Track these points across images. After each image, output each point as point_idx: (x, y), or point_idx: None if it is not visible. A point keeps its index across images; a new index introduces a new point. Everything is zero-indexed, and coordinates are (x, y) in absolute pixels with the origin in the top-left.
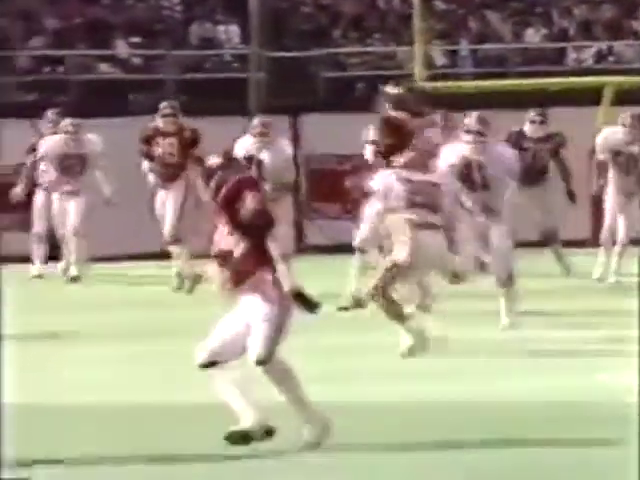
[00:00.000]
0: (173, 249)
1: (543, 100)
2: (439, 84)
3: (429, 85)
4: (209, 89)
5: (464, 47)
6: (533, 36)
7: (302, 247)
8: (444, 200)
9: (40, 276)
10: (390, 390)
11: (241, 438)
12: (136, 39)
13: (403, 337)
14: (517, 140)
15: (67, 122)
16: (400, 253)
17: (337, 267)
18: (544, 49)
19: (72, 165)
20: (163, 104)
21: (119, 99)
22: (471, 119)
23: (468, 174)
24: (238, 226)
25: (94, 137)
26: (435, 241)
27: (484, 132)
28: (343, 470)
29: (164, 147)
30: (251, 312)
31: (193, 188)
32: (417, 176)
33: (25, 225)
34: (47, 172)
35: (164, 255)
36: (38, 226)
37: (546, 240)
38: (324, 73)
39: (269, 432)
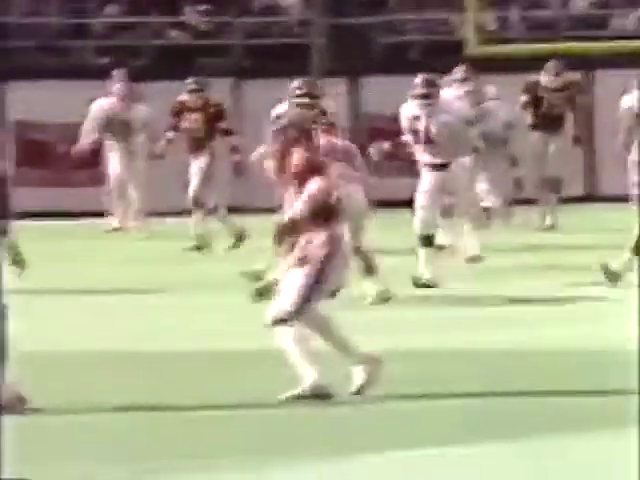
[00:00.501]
0: (195, 212)
1: (589, 63)
2: (491, 49)
3: (481, 50)
4: (272, 53)
5: (514, 13)
6: (580, 2)
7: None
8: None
9: (118, 229)
10: (437, 338)
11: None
12: (204, 6)
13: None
14: (533, 89)
15: (118, 86)
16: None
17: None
18: (590, 15)
19: (119, 127)
20: (189, 80)
21: (188, 63)
22: (418, 81)
23: (416, 131)
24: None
25: (142, 106)
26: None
27: (431, 93)
28: (395, 417)
29: (190, 121)
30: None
31: (218, 158)
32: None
33: (100, 181)
34: (99, 132)
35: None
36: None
37: (550, 188)
38: (381, 39)
39: (326, 395)
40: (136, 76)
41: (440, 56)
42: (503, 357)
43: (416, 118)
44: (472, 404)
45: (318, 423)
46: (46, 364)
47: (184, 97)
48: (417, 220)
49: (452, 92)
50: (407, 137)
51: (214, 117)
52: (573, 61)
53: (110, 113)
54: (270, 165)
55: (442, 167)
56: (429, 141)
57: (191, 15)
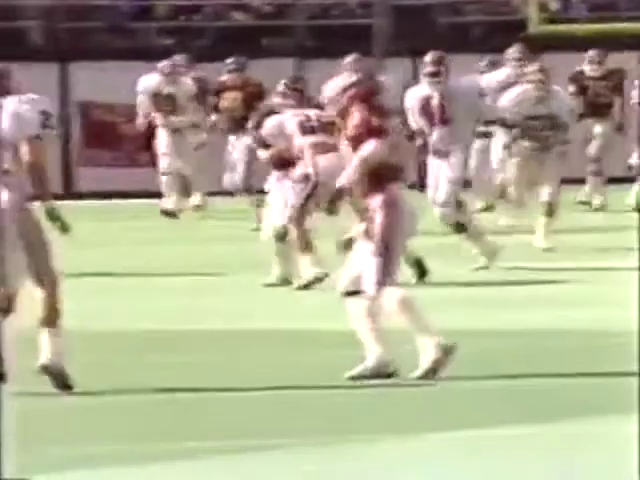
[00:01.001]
0: (245, 197)
1: None
2: (553, 28)
3: (542, 29)
4: (334, 34)
5: None
6: None
7: None
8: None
9: (174, 211)
10: (484, 317)
11: (365, 377)
12: None
13: (306, 269)
14: (578, 79)
15: (164, 64)
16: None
17: None
18: None
19: (166, 104)
20: (229, 60)
21: (250, 44)
22: (427, 60)
23: (428, 111)
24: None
25: (189, 81)
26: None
27: (439, 71)
28: (448, 397)
29: (229, 101)
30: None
31: None
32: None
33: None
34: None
35: None
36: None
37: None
38: (442, 18)
39: (391, 374)
40: (199, 57)
41: (501, 36)
42: (548, 336)
43: (428, 98)
44: (518, 384)
45: (378, 402)
46: (110, 344)
47: (224, 77)
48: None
49: (506, 71)
50: (418, 121)
51: (253, 96)
52: (633, 41)
53: (156, 88)
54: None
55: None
56: (444, 121)
57: None
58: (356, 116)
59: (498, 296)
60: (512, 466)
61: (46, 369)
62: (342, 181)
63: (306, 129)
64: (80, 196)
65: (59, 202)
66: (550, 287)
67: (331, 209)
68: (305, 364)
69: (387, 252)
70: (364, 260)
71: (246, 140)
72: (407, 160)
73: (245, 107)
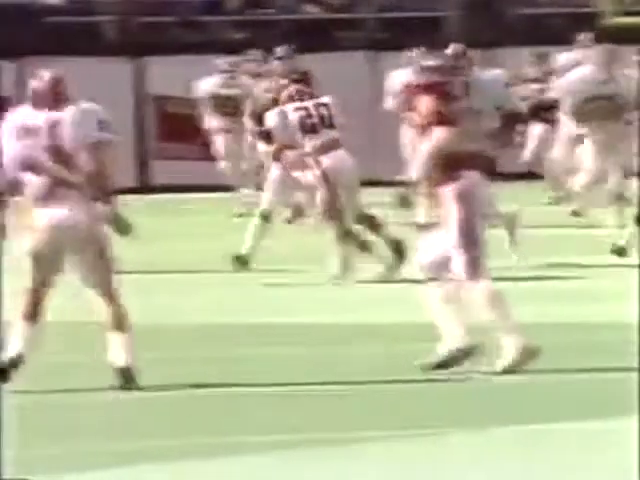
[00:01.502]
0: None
1: None
2: (628, 20)
3: (617, 21)
4: (407, 26)
5: None
6: None
7: None
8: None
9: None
10: (537, 310)
11: (439, 367)
12: None
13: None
14: None
15: (222, 61)
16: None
17: None
18: None
19: (225, 105)
20: (277, 49)
21: (323, 37)
22: (448, 53)
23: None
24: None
25: (249, 80)
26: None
27: (460, 66)
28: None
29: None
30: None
31: None
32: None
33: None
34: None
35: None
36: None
37: None
38: (515, 10)
39: (468, 353)
40: (271, 50)
41: (574, 28)
42: (601, 330)
43: None
44: (580, 379)
45: (447, 396)
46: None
47: (269, 68)
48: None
49: (572, 56)
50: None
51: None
52: None
53: (214, 91)
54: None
55: None
56: None
57: None
58: (425, 104)
59: (553, 289)
60: (576, 459)
61: (123, 371)
62: (413, 173)
63: (307, 127)
64: (155, 189)
65: (134, 196)
66: (602, 281)
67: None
68: (370, 358)
69: (470, 243)
70: (444, 248)
71: None
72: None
73: None
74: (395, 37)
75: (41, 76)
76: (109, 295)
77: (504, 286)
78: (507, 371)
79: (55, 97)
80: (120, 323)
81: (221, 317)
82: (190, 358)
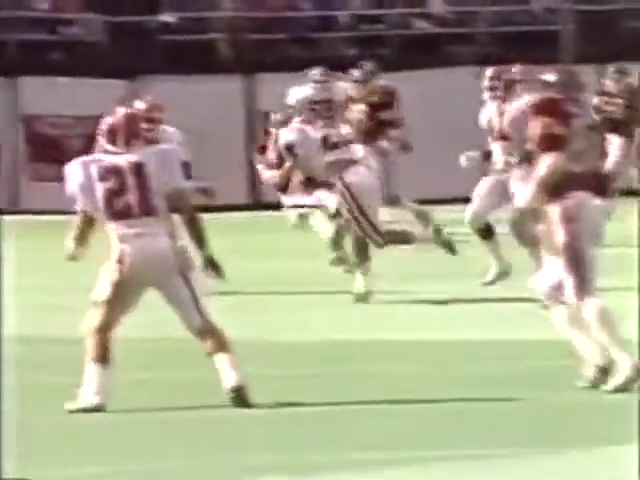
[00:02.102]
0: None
1: None
2: None
3: None
4: (518, 41)
5: None
6: None
7: None
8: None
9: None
10: None
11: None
12: None
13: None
14: None
15: (315, 72)
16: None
17: None
18: None
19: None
20: (354, 70)
21: (433, 52)
22: (487, 74)
23: (490, 126)
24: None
25: (343, 85)
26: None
27: (497, 86)
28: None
29: (357, 112)
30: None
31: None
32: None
33: None
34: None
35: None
36: None
37: None
38: (628, 24)
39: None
40: (383, 66)
41: None
42: None
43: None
44: None
45: (551, 414)
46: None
47: (351, 87)
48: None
49: None
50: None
51: (381, 105)
52: None
53: (306, 100)
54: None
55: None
56: (503, 137)
57: (436, 4)
58: (536, 127)
59: None
60: None
61: (236, 390)
62: (521, 203)
63: (328, 144)
64: (267, 207)
65: (245, 214)
66: None
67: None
68: (469, 375)
69: (579, 266)
70: (556, 271)
71: (375, 151)
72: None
73: (370, 119)
74: (507, 51)
75: (116, 112)
76: (204, 322)
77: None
78: (618, 389)
79: (131, 135)
80: (222, 344)
81: (338, 334)
82: (306, 375)
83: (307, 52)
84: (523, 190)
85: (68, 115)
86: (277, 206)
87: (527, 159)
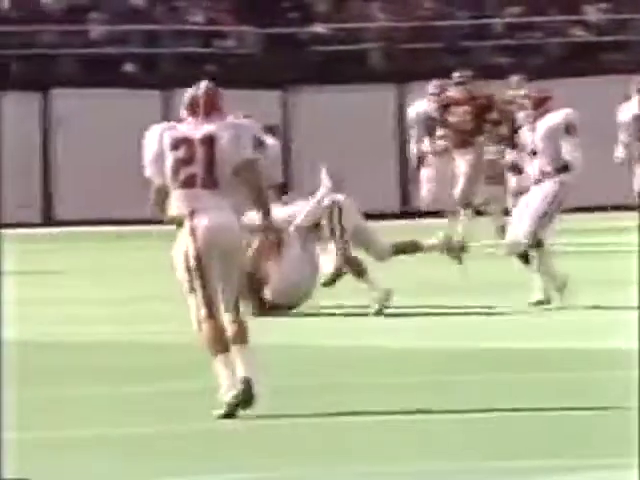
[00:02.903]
0: (461, 212)
1: None
2: None
3: None
4: None
5: None
6: None
7: None
8: None
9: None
10: None
11: None
12: (604, 4)
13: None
14: None
15: (432, 84)
16: None
17: None
18: None
19: (435, 127)
20: (456, 74)
21: (589, 60)
22: None
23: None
24: None
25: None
26: None
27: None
28: None
29: (457, 114)
30: None
31: (482, 154)
32: None
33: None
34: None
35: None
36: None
37: None
38: None
39: None
40: (538, 74)
41: None
42: None
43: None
44: None
45: None
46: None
47: (450, 91)
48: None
49: None
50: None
51: (484, 109)
52: None
53: (425, 114)
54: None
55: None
56: (533, 152)
57: (592, 12)
58: None
59: None
60: None
61: (245, 381)
62: None
63: None
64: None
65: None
66: None
67: None
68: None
69: None
70: None
71: (471, 154)
72: None
73: (474, 121)
74: None
75: (198, 85)
76: (236, 309)
77: None
78: None
79: (211, 108)
80: (243, 337)
81: (431, 341)
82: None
83: (459, 60)
84: None
85: None
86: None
87: None
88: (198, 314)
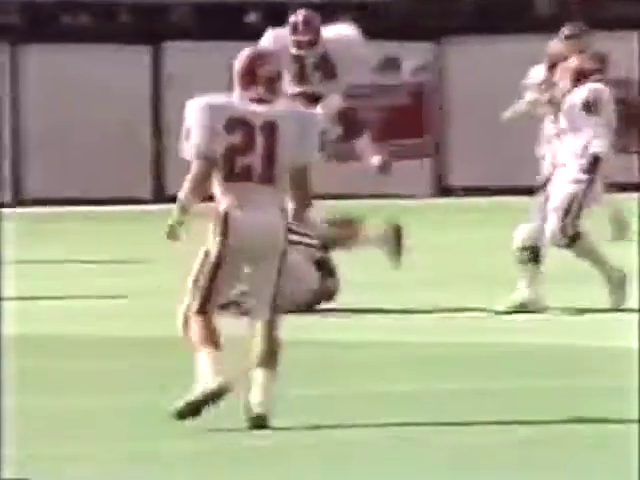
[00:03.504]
0: None
1: None
2: None
3: None
4: None
5: None
6: None
7: None
8: None
9: None
10: None
11: None
12: None
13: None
14: None
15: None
16: None
17: None
18: None
19: None
20: (565, 27)
21: None
22: None
23: None
24: None
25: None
26: None
27: None
28: None
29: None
30: None
31: None
32: None
33: None
34: None
35: None
36: None
37: None
38: None
39: None
40: None
41: None
42: None
43: None
44: None
45: None
46: None
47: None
48: None
49: None
50: None
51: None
52: None
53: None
54: None
55: None
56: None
57: None
58: None
59: None
60: None
61: (257, 418)
62: None
63: None
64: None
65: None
66: None
67: None
68: None
69: None
70: None
71: None
72: None
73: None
74: None
75: (241, 54)
76: (271, 321)
77: None
78: None
79: (272, 79)
80: (271, 359)
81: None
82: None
83: (637, 9)
84: None
85: (365, 85)
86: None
87: None
88: (189, 306)
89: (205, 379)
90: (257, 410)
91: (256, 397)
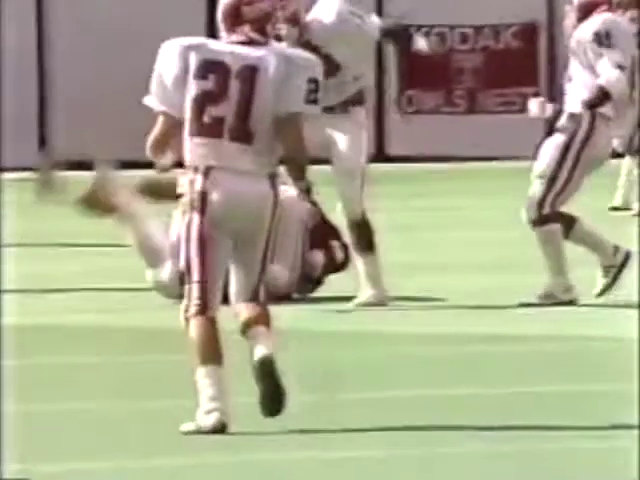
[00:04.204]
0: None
1: None
2: None
3: None
4: None
5: None
6: None
7: None
8: None
9: None
10: None
11: None
12: None
13: None
14: None
15: None
16: None
17: None
18: None
19: None
20: None
21: None
22: None
23: None
24: None
25: None
26: None
27: None
28: None
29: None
30: None
31: None
32: None
33: None
34: None
35: None
36: None
37: None
38: None
39: None
40: None
41: None
42: None
43: None
44: None
45: None
46: None
47: None
48: None
49: None
50: None
51: None
52: None
53: None
54: None
55: None
56: None
57: None
58: None
59: None
60: None
61: (264, 360)
62: None
63: None
64: None
65: None
66: None
67: None
68: None
69: None
70: None
71: None
72: None
73: None
74: None
75: None
76: (255, 298)
77: None
78: None
79: (253, 25)
80: (266, 319)
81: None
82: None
83: None
84: None
85: (460, 25)
86: None
87: None
88: (187, 305)
89: (203, 406)
90: (263, 354)
91: (260, 348)
